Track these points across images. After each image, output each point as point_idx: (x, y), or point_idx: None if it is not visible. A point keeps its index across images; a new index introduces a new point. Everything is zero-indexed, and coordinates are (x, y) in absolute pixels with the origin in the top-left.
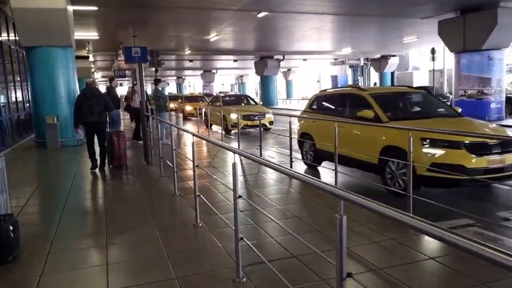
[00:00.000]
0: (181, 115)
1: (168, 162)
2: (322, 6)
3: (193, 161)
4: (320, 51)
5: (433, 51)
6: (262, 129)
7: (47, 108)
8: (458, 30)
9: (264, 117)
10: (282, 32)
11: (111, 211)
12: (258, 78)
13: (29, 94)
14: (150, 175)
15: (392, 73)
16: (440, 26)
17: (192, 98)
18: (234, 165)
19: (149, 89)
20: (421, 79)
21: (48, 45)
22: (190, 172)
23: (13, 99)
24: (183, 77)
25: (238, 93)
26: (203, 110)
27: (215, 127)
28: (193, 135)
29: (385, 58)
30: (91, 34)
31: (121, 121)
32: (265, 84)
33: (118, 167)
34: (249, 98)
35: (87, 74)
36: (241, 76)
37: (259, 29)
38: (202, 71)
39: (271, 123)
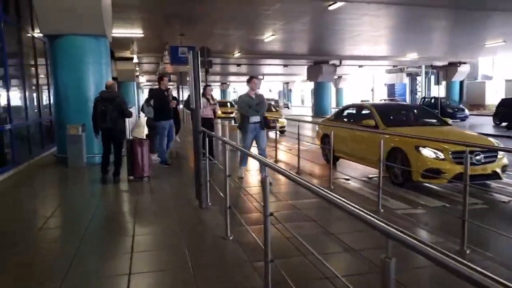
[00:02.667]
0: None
1: (241, 219)
2: None
3: None
4: (380, 57)
5: None
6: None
7: (72, 115)
8: None
9: (496, 158)
10: (344, 32)
11: None
12: (304, 85)
13: (52, 95)
14: (206, 233)
15: (461, 83)
16: None
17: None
18: None
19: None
20: (495, 90)
21: (75, 33)
22: (275, 233)
23: (34, 102)
24: (228, 83)
25: (403, 102)
26: (318, 130)
27: (342, 161)
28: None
29: (453, 65)
30: (135, 32)
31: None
32: (319, 92)
33: (139, 179)
34: (428, 113)
35: (131, 77)
36: (287, 83)
37: (322, 26)
38: (248, 77)
39: (504, 169)
